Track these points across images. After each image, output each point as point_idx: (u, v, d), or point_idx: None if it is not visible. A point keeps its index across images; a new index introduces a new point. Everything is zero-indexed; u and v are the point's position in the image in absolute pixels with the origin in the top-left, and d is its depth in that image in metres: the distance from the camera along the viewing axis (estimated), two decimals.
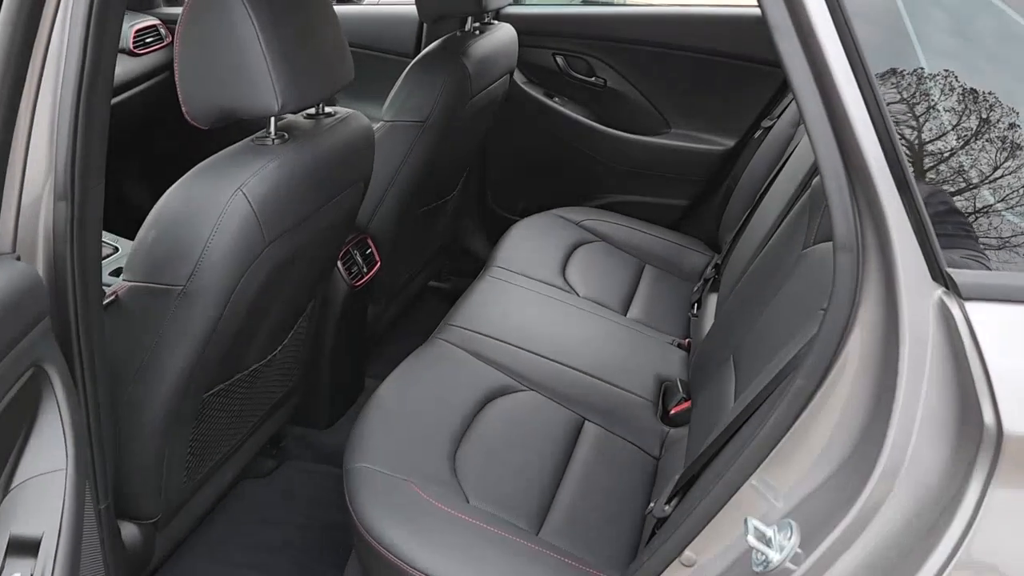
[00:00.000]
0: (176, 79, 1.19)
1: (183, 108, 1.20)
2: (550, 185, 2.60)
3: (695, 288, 1.88)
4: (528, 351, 1.72)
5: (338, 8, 2.61)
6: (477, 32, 2.03)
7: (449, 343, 1.70)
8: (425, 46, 2.07)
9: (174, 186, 1.19)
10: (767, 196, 1.72)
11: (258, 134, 1.28)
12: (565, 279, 2.06)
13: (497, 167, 2.60)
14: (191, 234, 1.16)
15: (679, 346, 1.90)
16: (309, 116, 1.40)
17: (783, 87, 2.28)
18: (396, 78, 1.92)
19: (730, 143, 2.39)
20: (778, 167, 1.81)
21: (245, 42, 1.15)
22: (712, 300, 1.78)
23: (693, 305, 1.86)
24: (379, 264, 1.95)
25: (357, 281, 1.86)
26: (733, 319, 1.52)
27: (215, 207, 1.15)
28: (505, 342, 1.73)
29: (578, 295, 2.01)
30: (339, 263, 1.81)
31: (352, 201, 1.52)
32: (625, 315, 2.00)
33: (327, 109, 1.42)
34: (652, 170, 2.46)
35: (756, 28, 2.30)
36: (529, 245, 2.17)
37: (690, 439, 1.49)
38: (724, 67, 2.33)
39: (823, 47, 0.77)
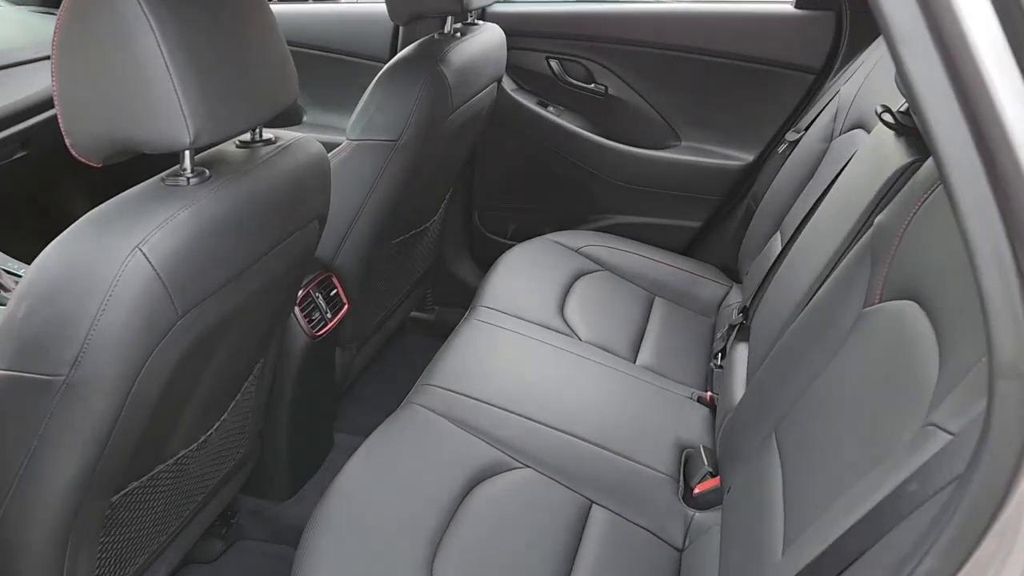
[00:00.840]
0: (55, 101, 0.90)
1: (66, 140, 0.92)
2: (544, 205, 2.31)
3: (718, 335, 1.61)
4: (522, 416, 1.44)
5: (303, 7, 2.33)
6: (459, 34, 1.75)
7: (427, 409, 1.42)
8: (400, 50, 1.78)
9: (51, 245, 0.90)
10: (806, 229, 1.44)
11: (170, 171, 0.99)
12: (564, 319, 1.78)
13: (485, 186, 2.31)
14: (73, 308, 0.87)
15: (699, 400, 1.63)
16: (243, 144, 1.11)
17: (810, 94, 2.00)
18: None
19: (749, 157, 2.11)
20: (820, 192, 1.53)
21: (142, 51, 0.86)
22: (741, 352, 1.50)
23: (717, 355, 1.59)
24: (347, 306, 1.67)
25: (319, 330, 1.57)
26: (773, 386, 1.24)
27: (105, 273, 0.87)
28: (494, 405, 1.45)
29: (580, 339, 1.73)
30: (297, 309, 1.53)
31: (305, 244, 1.23)
32: (635, 362, 1.72)
33: (266, 134, 1.13)
34: (660, 188, 2.18)
35: (780, 27, 2.03)
36: (521, 278, 1.89)
37: (724, 536, 1.21)
38: (742, 72, 2.05)
39: (980, 65, 0.49)
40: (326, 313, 1.60)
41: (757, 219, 1.96)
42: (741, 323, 1.53)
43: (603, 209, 2.25)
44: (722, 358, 1.58)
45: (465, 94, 1.70)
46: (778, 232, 1.83)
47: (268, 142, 1.13)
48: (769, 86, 2.04)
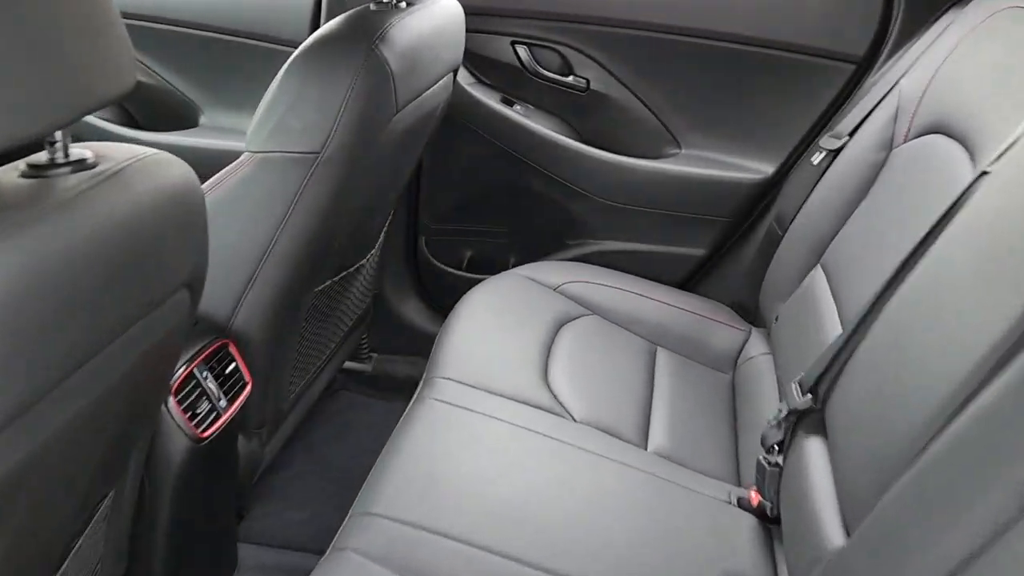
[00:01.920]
0: None
1: None
2: (510, 229, 1.85)
3: (770, 421, 1.17)
4: (500, 555, 0.99)
5: None
6: (403, 3, 1.28)
7: (362, 556, 0.95)
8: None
9: None
10: (915, 279, 1.00)
11: None
12: (550, 389, 1.33)
13: (433, 204, 1.85)
14: None
15: (740, 503, 1.20)
16: (33, 170, 0.63)
17: (850, 89, 1.59)
18: None
19: (768, 169, 1.68)
20: (881, 213, 1.11)
21: None
22: (815, 451, 1.06)
23: (772, 448, 1.15)
24: (250, 384, 1.19)
25: (208, 428, 1.09)
26: (900, 529, 0.80)
27: None
28: (459, 540, 0.99)
29: (573, 419, 1.28)
30: (172, 400, 1.05)
31: (164, 330, 0.76)
32: (646, 447, 1.28)
33: (78, 152, 0.65)
34: (655, 207, 1.74)
35: (808, 3, 1.61)
36: (488, 331, 1.44)
37: None
38: (760, 61, 1.62)
39: None
40: (219, 400, 1.12)
41: (786, 248, 1.54)
42: (810, 408, 1.10)
43: (585, 233, 1.80)
44: (778, 451, 1.15)
45: (414, 87, 1.23)
46: (819, 266, 1.42)
47: (81, 165, 0.64)
48: (795, 79, 1.62)
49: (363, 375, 1.92)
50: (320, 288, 1.34)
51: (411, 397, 1.31)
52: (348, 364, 1.90)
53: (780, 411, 1.16)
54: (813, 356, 1.17)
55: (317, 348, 1.49)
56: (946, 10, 1.46)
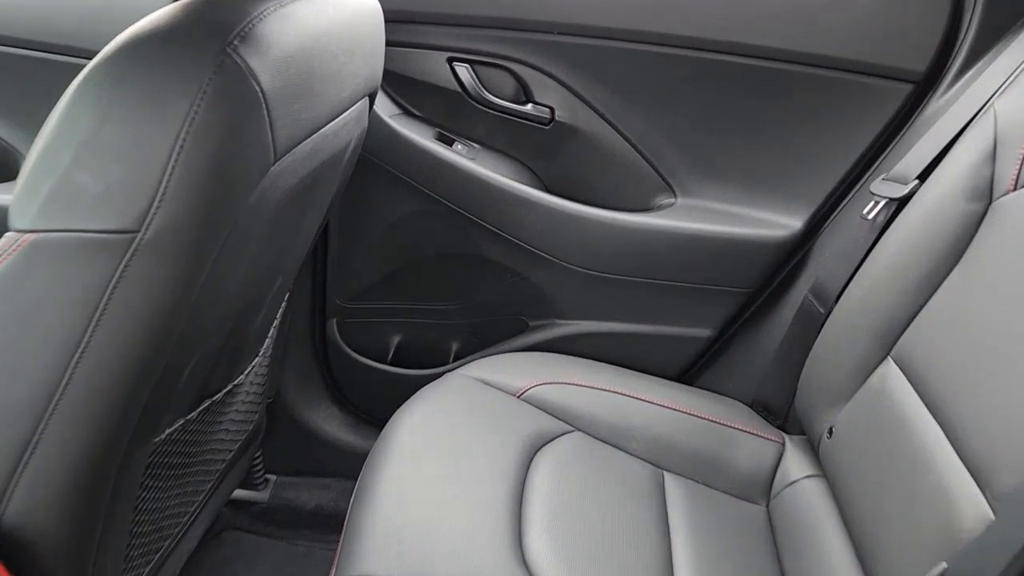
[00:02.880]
0: None
1: None
2: (453, 307, 1.39)
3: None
4: None
5: None
6: None
7: None
8: None
9: None
10: None
11: None
12: (528, 571, 0.88)
13: (348, 277, 1.37)
14: None
15: None
16: None
17: (907, 116, 1.19)
18: None
19: (796, 224, 1.26)
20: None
21: None
22: None
23: None
24: None
25: None
26: None
27: None
28: None
29: None
30: None
31: None
32: None
33: None
34: (645, 275, 1.30)
35: (849, 5, 1.21)
36: (430, 479, 0.97)
37: None
38: (783, 80, 1.21)
39: None
40: None
41: (834, 332, 1.12)
42: None
43: (552, 312, 1.35)
44: None
45: (304, 119, 0.76)
46: (888, 360, 1.02)
47: None
48: (830, 104, 1.21)
49: (257, 507, 1.42)
50: (165, 435, 0.85)
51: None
52: (237, 493, 1.41)
53: None
54: (906, 500, 0.77)
55: (177, 501, 1.00)
56: None
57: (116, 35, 0.69)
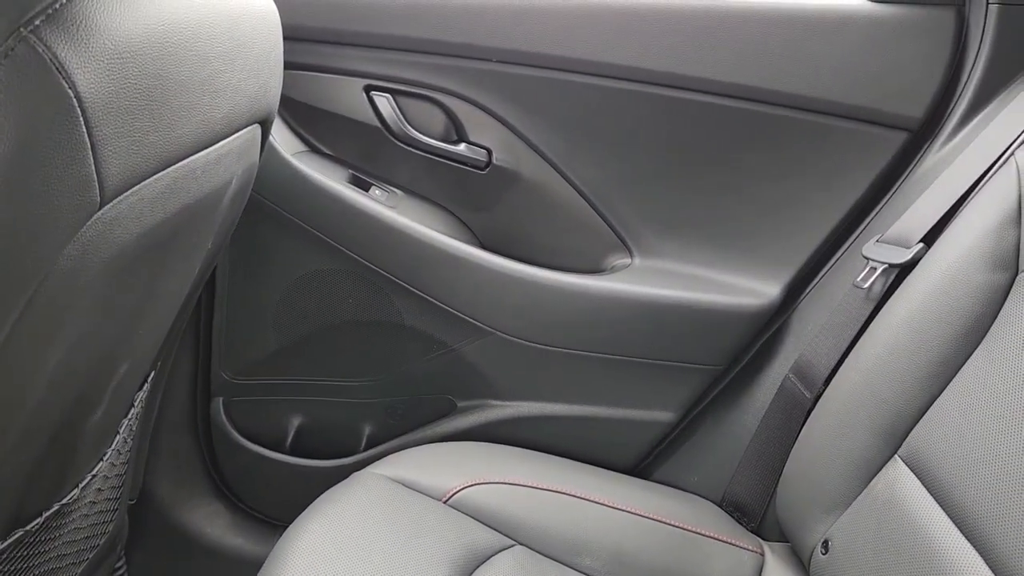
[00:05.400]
0: None
1: None
2: (366, 384, 1.16)
3: None
4: None
5: None
6: None
7: None
8: None
9: None
10: None
11: None
12: None
13: (238, 347, 1.13)
14: None
15: None
16: None
17: (899, 165, 1.03)
18: None
19: (773, 290, 1.08)
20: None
21: None
22: None
23: None
24: None
25: None
26: None
27: None
28: None
29: None
30: None
31: None
32: None
33: None
34: (595, 349, 1.10)
35: (839, 39, 1.04)
36: None
37: None
38: (755, 124, 1.04)
39: None
40: None
41: (826, 421, 0.94)
42: None
43: (485, 391, 1.13)
44: None
45: (152, 144, 0.54)
46: (896, 459, 0.85)
47: None
48: (811, 153, 1.04)
49: None
50: None
51: None
52: None
53: None
54: None
55: None
56: None
57: None
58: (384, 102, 1.07)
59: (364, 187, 1.10)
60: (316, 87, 1.07)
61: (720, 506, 1.08)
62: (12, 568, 0.70)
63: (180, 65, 0.55)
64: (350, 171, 1.10)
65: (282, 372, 1.15)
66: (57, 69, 0.44)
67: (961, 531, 0.72)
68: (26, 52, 0.43)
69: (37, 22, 0.44)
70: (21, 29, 0.43)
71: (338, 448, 1.16)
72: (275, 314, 1.11)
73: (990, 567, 0.67)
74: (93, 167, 0.48)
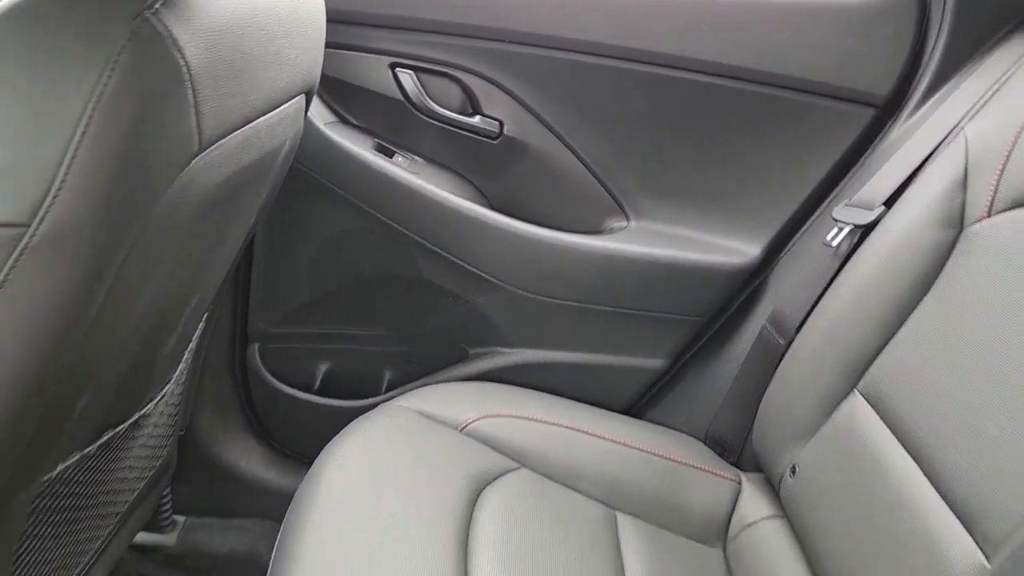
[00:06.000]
0: None
1: None
2: (386, 333, 1.29)
3: None
4: None
5: None
6: None
7: None
8: None
9: None
10: None
11: None
12: None
13: (273, 298, 1.26)
14: None
15: None
16: None
17: (867, 138, 1.15)
18: None
19: (754, 250, 1.21)
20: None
21: None
22: None
23: None
24: None
25: None
26: None
27: None
28: None
29: None
30: None
31: None
32: None
33: None
34: (594, 302, 1.23)
35: (810, 22, 1.16)
36: (365, 522, 0.87)
37: None
38: (738, 100, 1.16)
39: None
40: None
41: (795, 365, 1.06)
42: None
43: (495, 339, 1.26)
44: None
45: (232, 106, 0.66)
46: (855, 393, 0.97)
47: None
48: (787, 126, 1.16)
49: (163, 552, 1.28)
50: (57, 473, 0.73)
51: None
52: (140, 537, 1.26)
53: None
54: (885, 545, 0.72)
55: (69, 551, 0.87)
56: (1010, 31, 1.05)
57: None
58: (407, 78, 1.19)
59: (388, 154, 1.22)
60: (346, 64, 1.18)
61: (704, 442, 1.20)
62: (97, 466, 0.82)
63: (254, 42, 0.68)
64: (376, 140, 1.22)
65: (313, 322, 1.27)
66: (172, 44, 0.56)
67: (909, 453, 0.85)
68: (149, 31, 0.55)
69: (157, 6, 0.56)
70: (146, 11, 0.55)
71: (361, 391, 1.28)
72: (307, 269, 1.24)
73: (935, 487, 0.79)
74: (195, 123, 0.60)
